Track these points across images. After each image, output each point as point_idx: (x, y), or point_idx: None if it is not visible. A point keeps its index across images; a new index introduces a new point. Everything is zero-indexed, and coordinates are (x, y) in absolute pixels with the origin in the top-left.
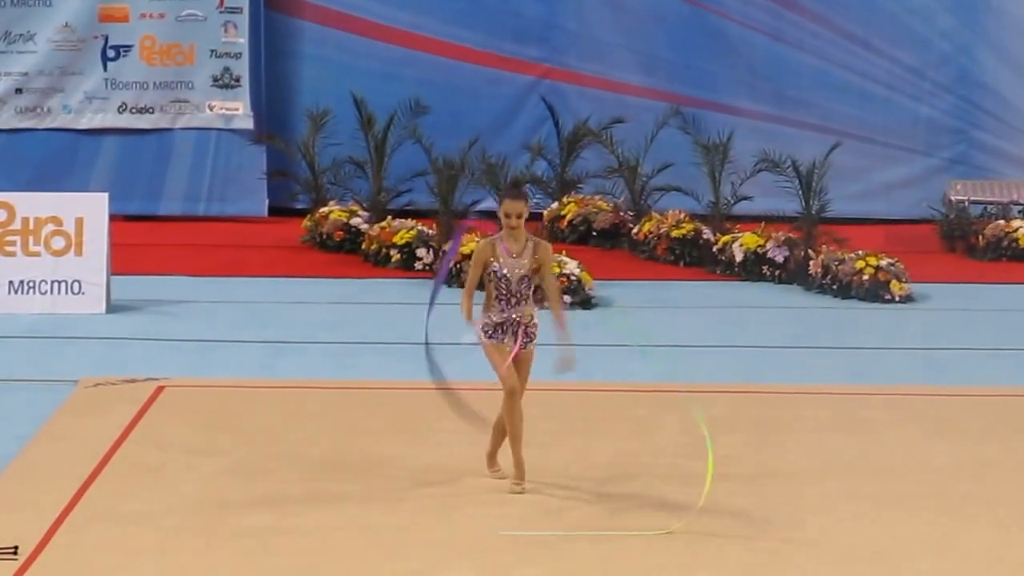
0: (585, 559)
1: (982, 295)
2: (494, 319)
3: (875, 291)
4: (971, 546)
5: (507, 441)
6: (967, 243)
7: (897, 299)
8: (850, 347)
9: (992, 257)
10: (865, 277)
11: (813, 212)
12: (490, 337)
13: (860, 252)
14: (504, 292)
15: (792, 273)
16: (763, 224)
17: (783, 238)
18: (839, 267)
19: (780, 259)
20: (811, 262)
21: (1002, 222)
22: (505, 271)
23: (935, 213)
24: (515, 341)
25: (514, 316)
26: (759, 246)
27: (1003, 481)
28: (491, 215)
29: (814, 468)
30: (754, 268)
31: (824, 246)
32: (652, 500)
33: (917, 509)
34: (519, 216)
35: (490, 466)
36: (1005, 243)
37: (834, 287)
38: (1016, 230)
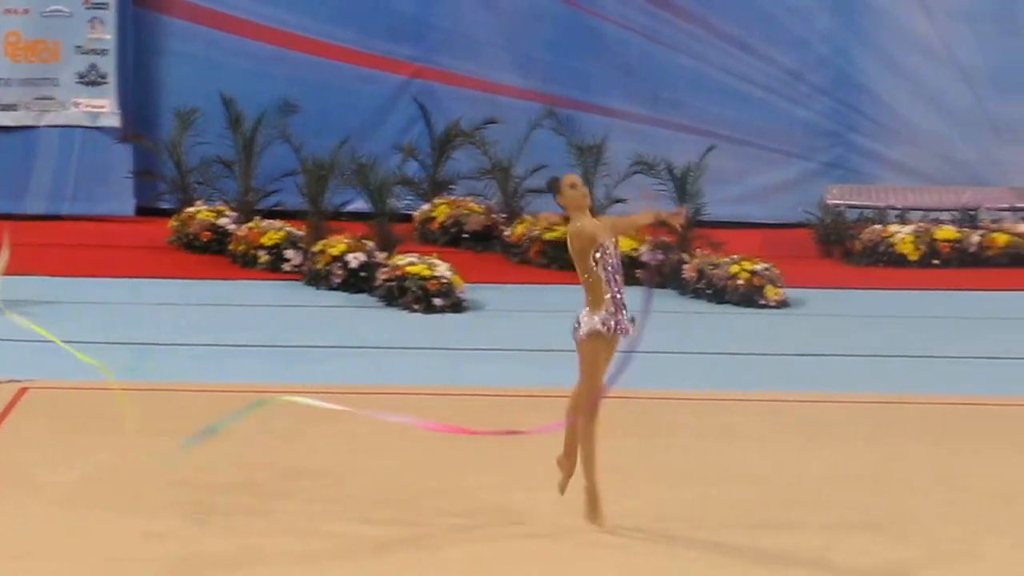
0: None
1: (858, 300)
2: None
3: (750, 296)
4: (846, 555)
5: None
6: (843, 248)
7: (772, 304)
8: (724, 352)
9: (868, 262)
10: (740, 282)
11: (688, 215)
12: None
13: (735, 256)
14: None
15: (667, 277)
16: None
17: (657, 242)
18: (714, 271)
19: (654, 263)
20: (686, 266)
21: (879, 227)
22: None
23: (812, 217)
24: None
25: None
26: (632, 249)
27: (879, 488)
28: (361, 216)
29: (687, 475)
30: (627, 272)
31: (699, 250)
32: (522, 507)
33: (793, 516)
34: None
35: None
36: (881, 248)
37: (709, 292)
38: (893, 235)
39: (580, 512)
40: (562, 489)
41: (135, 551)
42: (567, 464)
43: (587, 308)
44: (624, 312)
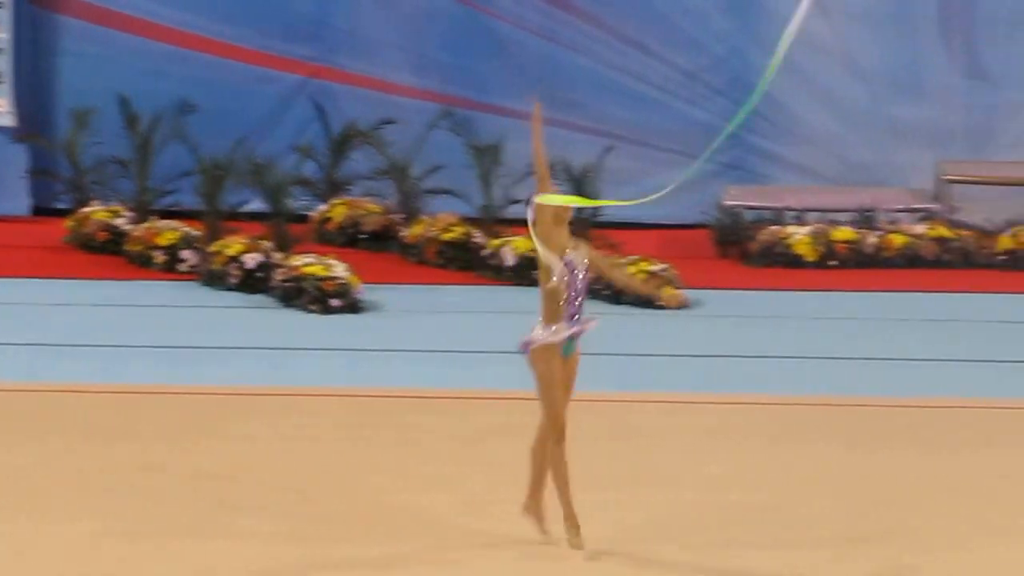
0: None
1: (756, 301)
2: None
3: (648, 297)
4: (743, 553)
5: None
6: (741, 249)
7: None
8: (623, 354)
9: (766, 263)
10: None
11: (586, 216)
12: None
13: (634, 257)
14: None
15: None
16: None
17: None
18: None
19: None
20: None
21: (776, 228)
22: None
23: (709, 218)
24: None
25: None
26: (530, 250)
27: (778, 489)
28: (258, 216)
29: (590, 477)
30: (525, 273)
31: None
32: (419, 508)
33: (698, 518)
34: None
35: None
36: (779, 249)
37: (606, 292)
38: (790, 236)
39: (484, 514)
40: (542, 530)
41: (23, 553)
42: (534, 506)
43: (540, 319)
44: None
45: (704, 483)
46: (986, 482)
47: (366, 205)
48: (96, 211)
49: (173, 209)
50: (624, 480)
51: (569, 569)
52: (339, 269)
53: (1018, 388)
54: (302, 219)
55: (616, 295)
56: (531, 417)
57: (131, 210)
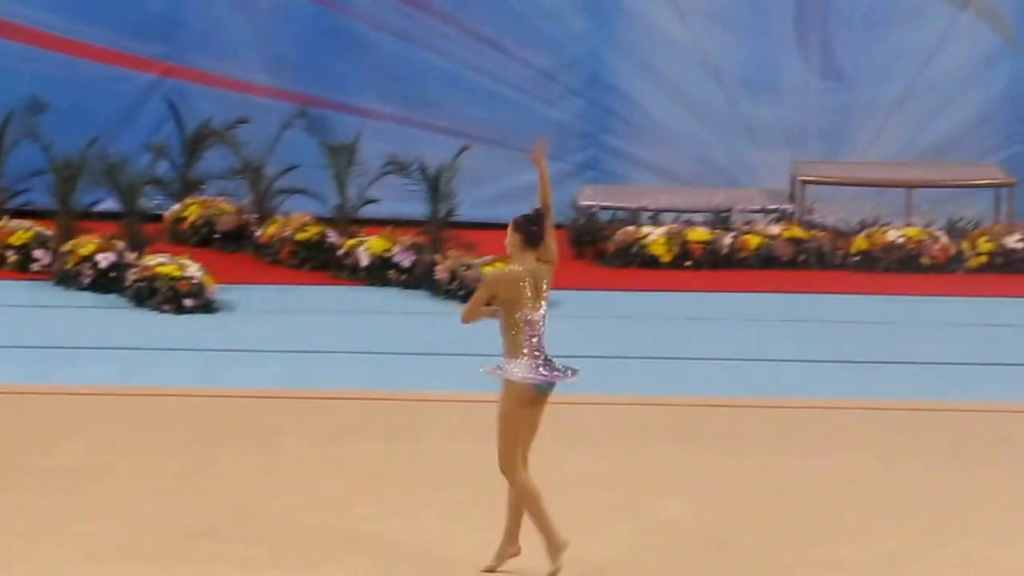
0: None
1: (611, 301)
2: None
3: None
4: (598, 554)
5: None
6: (596, 249)
7: None
8: (478, 354)
9: (621, 263)
10: None
11: (441, 216)
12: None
13: (488, 257)
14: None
15: (419, 278)
16: (390, 228)
17: (410, 242)
18: (467, 272)
19: (407, 264)
20: (438, 267)
21: (631, 228)
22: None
23: (564, 218)
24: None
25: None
26: (385, 250)
27: (625, 489)
28: (111, 216)
29: (446, 476)
30: (380, 273)
31: (452, 251)
32: (275, 508)
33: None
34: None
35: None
36: (634, 249)
37: (461, 293)
38: (645, 236)
39: (341, 515)
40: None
41: None
42: (511, 550)
43: (506, 356)
44: (547, 360)
45: (558, 484)
46: (828, 483)
47: (220, 205)
48: None
49: (25, 208)
50: (483, 479)
51: (430, 569)
52: (193, 269)
53: (872, 388)
54: (155, 218)
55: (471, 294)
56: (387, 416)
57: None
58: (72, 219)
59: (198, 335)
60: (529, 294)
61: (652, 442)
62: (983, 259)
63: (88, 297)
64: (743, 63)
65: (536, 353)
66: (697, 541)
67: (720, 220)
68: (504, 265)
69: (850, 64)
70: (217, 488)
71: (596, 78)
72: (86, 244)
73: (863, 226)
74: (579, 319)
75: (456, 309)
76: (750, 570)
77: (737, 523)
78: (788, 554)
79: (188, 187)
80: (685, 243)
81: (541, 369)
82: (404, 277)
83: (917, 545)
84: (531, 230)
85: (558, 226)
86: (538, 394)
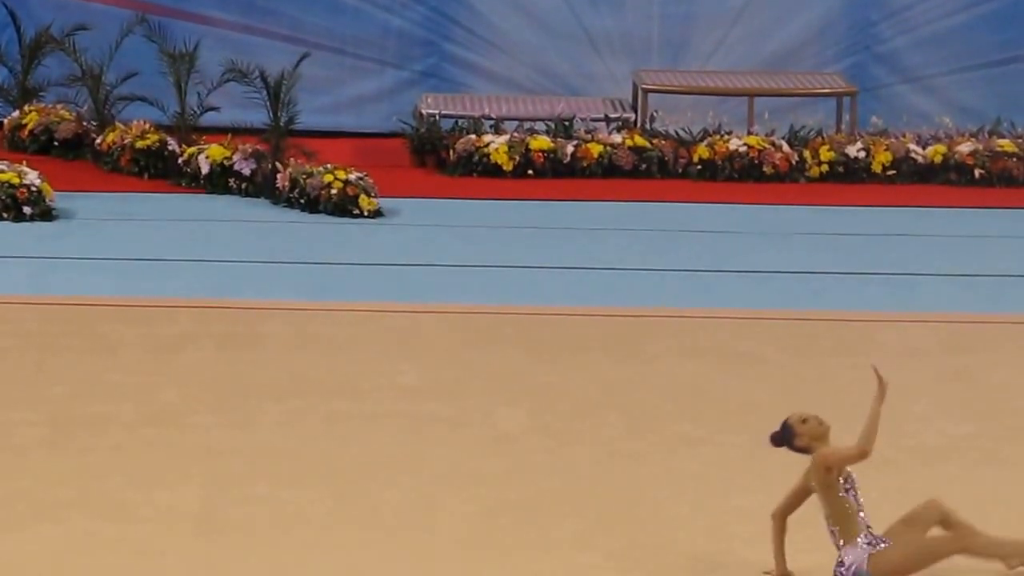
0: None
1: (452, 210)
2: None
3: (343, 205)
4: (437, 465)
5: None
6: (438, 157)
7: (366, 214)
8: (318, 262)
9: (463, 172)
10: (333, 191)
11: (281, 124)
12: None
13: (329, 166)
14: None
15: (259, 186)
16: (230, 136)
17: (250, 150)
18: (307, 181)
19: (247, 172)
20: (279, 175)
21: (473, 136)
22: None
23: (405, 127)
24: None
25: None
26: (225, 158)
27: (465, 400)
28: None
29: (280, 385)
30: (220, 181)
31: (292, 159)
32: (107, 417)
33: (384, 428)
34: None
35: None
36: (476, 158)
37: (302, 201)
38: (487, 145)
39: (175, 424)
40: None
41: None
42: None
43: (843, 543)
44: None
45: (394, 393)
46: (659, 390)
47: (59, 112)
48: None
49: None
50: (316, 389)
51: (265, 477)
52: (31, 177)
53: (713, 296)
54: None
55: (311, 203)
56: (225, 325)
57: None
58: None
59: (36, 243)
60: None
61: (490, 351)
62: (824, 168)
63: None
64: None
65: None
66: (537, 450)
67: (562, 129)
68: None
69: None
70: (50, 396)
71: None
72: None
73: (705, 135)
74: (419, 228)
75: (299, 218)
76: (589, 475)
77: (571, 432)
78: (625, 462)
79: (27, 95)
80: (527, 152)
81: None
82: (244, 185)
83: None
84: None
85: (399, 135)
86: None
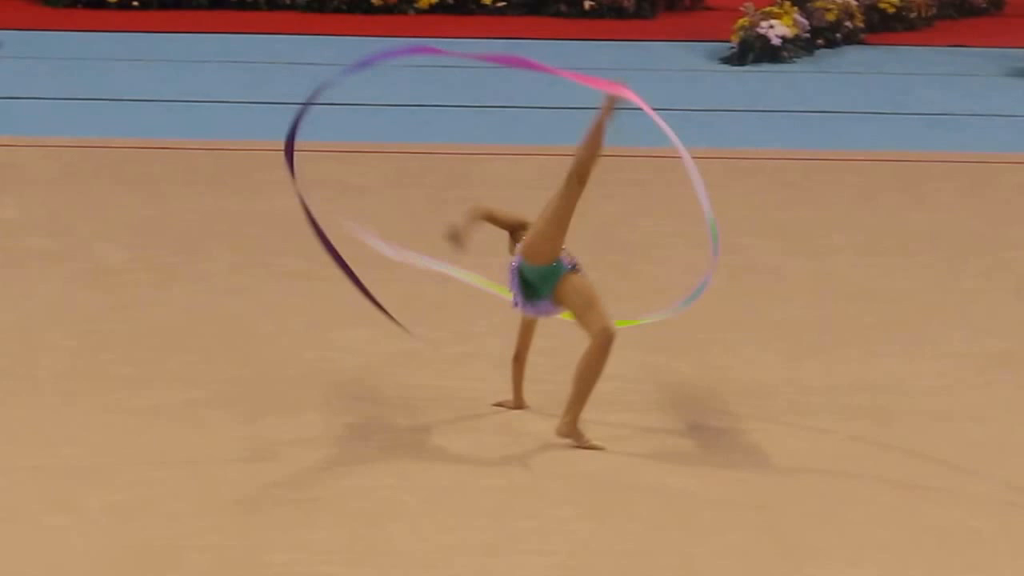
0: None
1: (54, 42)
2: None
3: None
4: (38, 300)
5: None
6: None
7: None
8: None
9: (66, 3)
10: None
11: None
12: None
13: None
14: None
15: None
16: None
17: None
18: None
19: None
20: None
21: None
22: None
23: None
24: None
25: None
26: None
27: (66, 235)
28: None
29: None
30: None
31: None
32: None
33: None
34: None
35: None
36: None
37: None
38: None
39: None
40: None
41: None
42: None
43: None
44: None
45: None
46: (272, 221)
47: None
48: None
49: None
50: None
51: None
52: None
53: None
54: None
55: None
56: None
57: None
58: None
59: None
60: None
61: (91, 185)
62: (433, 0)
63: None
64: None
65: None
66: (139, 284)
67: None
68: None
69: None
70: None
71: None
72: None
73: None
74: (23, 60)
75: None
76: (194, 309)
77: (177, 263)
78: (230, 296)
79: None
80: None
81: None
82: None
83: None
84: None
85: None
86: None
